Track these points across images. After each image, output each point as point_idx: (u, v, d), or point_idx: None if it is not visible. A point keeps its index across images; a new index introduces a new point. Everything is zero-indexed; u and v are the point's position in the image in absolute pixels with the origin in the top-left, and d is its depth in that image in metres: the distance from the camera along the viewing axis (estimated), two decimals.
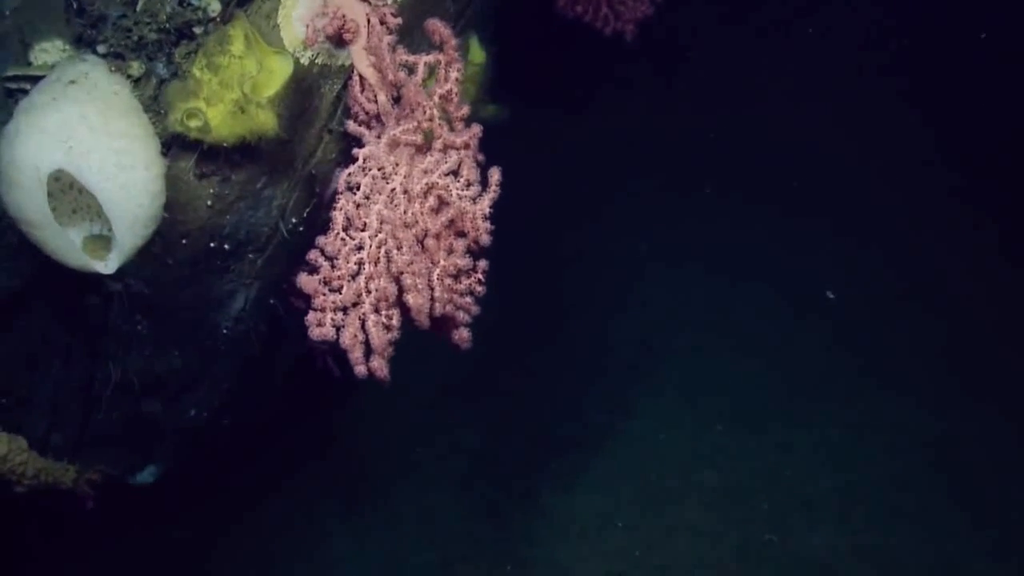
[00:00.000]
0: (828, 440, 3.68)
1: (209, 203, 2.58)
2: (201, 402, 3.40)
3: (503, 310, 4.53)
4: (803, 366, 4.06)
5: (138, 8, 2.37)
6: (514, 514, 3.63)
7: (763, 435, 3.76)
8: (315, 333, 2.12)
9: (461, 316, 2.39)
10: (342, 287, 2.16)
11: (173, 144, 2.46)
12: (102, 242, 2.28)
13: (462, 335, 2.41)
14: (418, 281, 2.27)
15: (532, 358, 4.29)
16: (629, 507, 3.53)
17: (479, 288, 2.39)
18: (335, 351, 3.39)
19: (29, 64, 2.41)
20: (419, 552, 3.55)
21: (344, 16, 2.41)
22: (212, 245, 2.72)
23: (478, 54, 3.05)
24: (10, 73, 2.41)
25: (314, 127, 2.67)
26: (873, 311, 4.30)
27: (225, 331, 3.02)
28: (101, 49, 2.42)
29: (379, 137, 2.33)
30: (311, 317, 2.12)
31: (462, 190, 2.31)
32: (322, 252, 2.17)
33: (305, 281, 2.13)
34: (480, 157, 2.46)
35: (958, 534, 3.25)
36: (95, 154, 2.04)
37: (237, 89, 2.31)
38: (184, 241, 2.64)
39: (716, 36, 4.87)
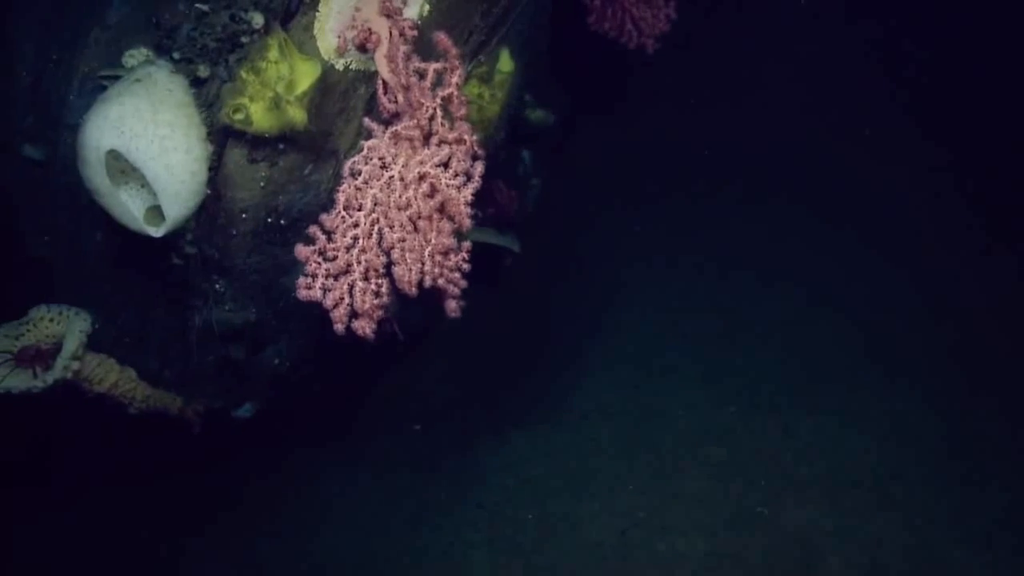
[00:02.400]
0: (827, 427, 3.49)
1: (262, 184, 2.72)
2: (282, 353, 3.55)
3: (534, 296, 4.55)
4: (812, 359, 3.85)
5: (201, 22, 2.54)
6: (540, 471, 3.64)
7: (769, 419, 3.59)
8: (302, 294, 2.20)
9: (451, 289, 2.42)
10: (336, 257, 2.23)
11: (229, 134, 2.64)
12: (160, 212, 2.44)
13: (451, 306, 2.43)
14: (407, 256, 2.31)
15: (560, 340, 4.27)
16: (641, 473, 3.46)
17: (465, 265, 2.42)
18: (399, 318, 3.53)
19: (121, 65, 2.62)
20: (457, 498, 3.64)
21: (369, 29, 2.48)
22: (269, 220, 2.86)
23: (507, 64, 3.05)
24: (105, 72, 2.62)
25: (352, 123, 2.76)
26: (880, 310, 4.03)
27: (295, 294, 3.19)
28: (176, 55, 2.59)
29: (385, 131, 2.38)
30: (301, 281, 2.20)
31: (450, 179, 2.34)
32: (321, 227, 2.24)
33: (300, 250, 2.20)
34: (480, 152, 2.48)
35: (940, 525, 3.02)
36: (142, 139, 2.19)
37: (273, 88, 2.44)
38: (244, 215, 2.79)
39: (730, 46, 4.64)
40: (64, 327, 2.97)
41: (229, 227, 2.77)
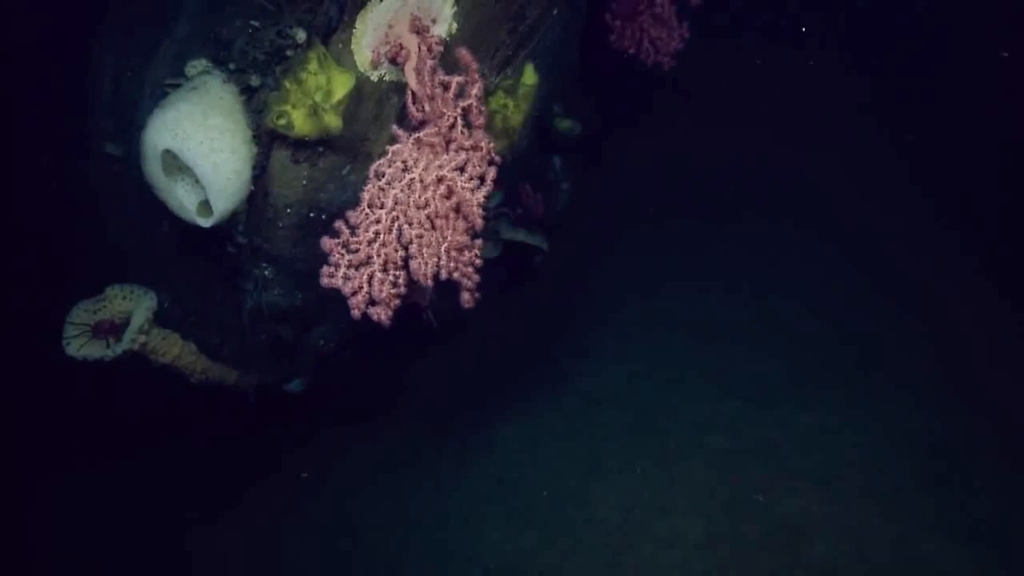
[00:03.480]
0: (823, 423, 3.42)
1: (304, 182, 2.82)
2: (327, 335, 3.66)
3: (560, 291, 4.58)
4: (813, 360, 3.79)
5: (252, 37, 2.64)
6: (554, 452, 3.68)
7: (770, 413, 3.55)
8: (324, 282, 2.27)
9: (465, 282, 2.47)
10: (358, 250, 2.30)
11: (274, 137, 2.73)
12: (209, 205, 2.55)
13: (465, 297, 2.48)
14: (424, 250, 2.37)
15: (581, 332, 4.29)
16: (647, 458, 3.46)
17: (478, 261, 2.46)
18: (434, 307, 3.60)
19: (183, 74, 2.74)
20: (478, 473, 3.70)
21: (400, 44, 2.55)
22: (311, 215, 2.96)
23: (531, 77, 3.08)
24: (169, 80, 2.75)
25: (386, 128, 2.82)
26: (877, 319, 3.94)
27: None
28: (231, 66, 2.69)
29: (409, 137, 2.44)
30: (324, 270, 2.27)
31: (465, 182, 2.39)
32: (346, 222, 2.31)
33: (325, 242, 2.27)
34: (496, 158, 2.52)
35: (923, 519, 2.95)
36: (193, 140, 2.30)
37: (312, 97, 2.52)
38: (288, 210, 2.89)
39: (741, 67, 4.58)
40: (134, 304, 3.12)
41: (276, 220, 2.88)
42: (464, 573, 3.39)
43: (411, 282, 2.39)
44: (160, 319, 3.36)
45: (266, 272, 3.13)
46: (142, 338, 3.08)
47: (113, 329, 3.08)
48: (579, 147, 4.19)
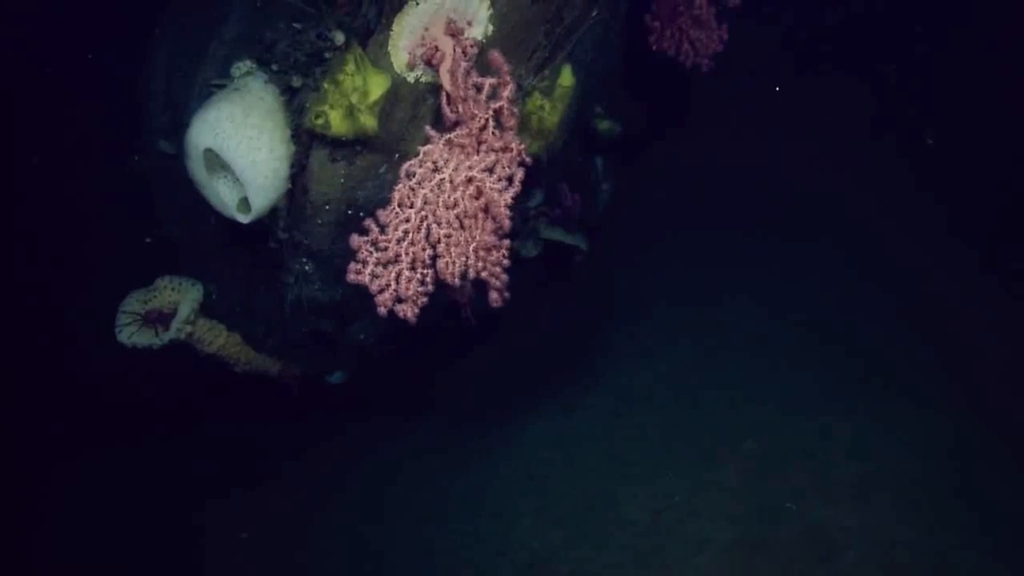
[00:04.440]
0: (860, 433, 3.31)
1: (342, 180, 2.86)
2: (367, 329, 3.70)
3: (599, 291, 4.54)
4: (851, 370, 3.66)
5: (294, 39, 2.69)
6: (586, 451, 3.66)
7: (805, 420, 3.44)
8: (351, 278, 2.29)
9: (493, 282, 2.48)
10: (387, 248, 2.32)
11: (313, 137, 2.78)
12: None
13: (493, 296, 2.49)
14: (451, 250, 2.38)
15: (618, 332, 4.24)
16: (678, 461, 3.41)
17: (505, 261, 2.46)
18: (473, 304, 3.62)
19: (229, 75, 2.81)
20: (509, 469, 3.71)
21: (435, 46, 2.56)
22: (349, 212, 2.99)
23: (568, 79, 3.06)
24: (215, 81, 2.82)
25: (421, 129, 2.84)
26: (917, 332, 3.79)
27: None
28: (274, 67, 2.75)
29: (440, 138, 2.45)
30: (351, 266, 2.29)
31: (494, 183, 2.39)
32: (376, 221, 2.33)
33: (353, 240, 2.29)
34: (527, 160, 2.51)
35: (958, 534, 2.82)
36: (233, 139, 2.36)
37: (349, 97, 2.56)
38: (327, 207, 2.93)
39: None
40: (181, 295, 3.22)
41: (315, 217, 2.92)
42: (494, 566, 3.41)
43: (440, 280, 2.41)
44: (207, 310, 3.46)
45: (306, 267, 3.18)
46: (188, 328, 3.17)
47: (162, 319, 3.18)
48: (620, 148, 4.15)
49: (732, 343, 3.97)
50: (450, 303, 3.94)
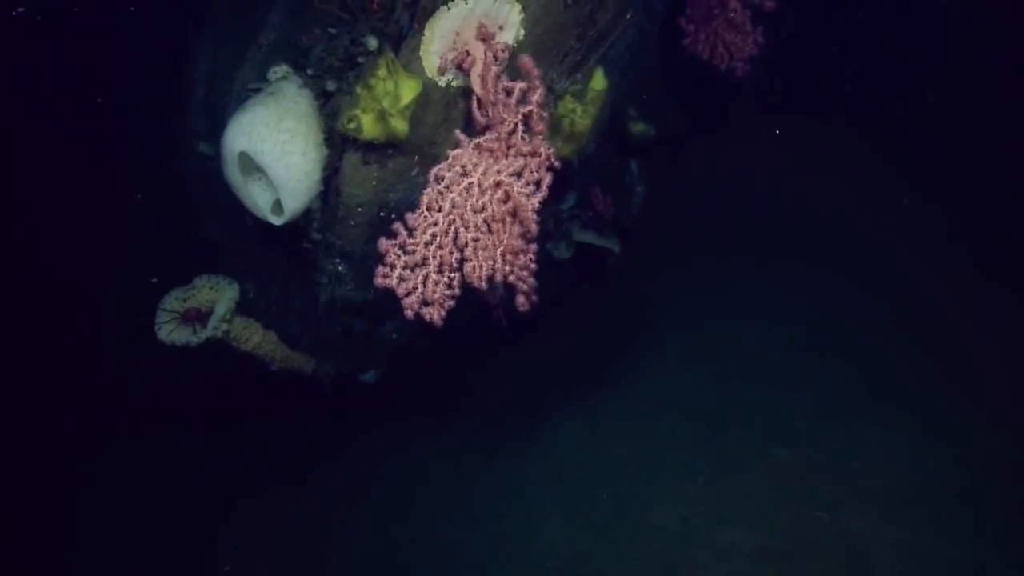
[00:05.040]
0: (898, 443, 3.21)
1: (374, 183, 2.88)
2: (399, 329, 3.73)
3: (632, 293, 4.49)
4: (890, 377, 3.56)
5: (329, 44, 2.72)
6: (616, 455, 3.62)
7: (840, 429, 3.36)
8: (379, 282, 2.31)
9: (521, 285, 2.47)
10: (414, 251, 2.33)
11: (346, 140, 2.81)
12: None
13: (520, 300, 2.48)
14: (479, 253, 2.38)
15: (649, 335, 4.20)
16: (708, 467, 3.36)
17: (532, 265, 2.46)
18: (504, 306, 3.62)
19: (265, 79, 2.85)
20: (538, 470, 3.71)
21: (466, 50, 2.57)
22: (382, 214, 3.02)
23: (600, 82, 3.04)
24: (252, 85, 2.86)
25: (452, 132, 2.85)
26: (959, 342, 3.68)
27: None
28: (309, 71, 2.79)
29: (469, 142, 2.46)
30: (379, 270, 2.30)
31: (522, 187, 2.38)
32: (404, 225, 2.34)
33: (382, 242, 2.31)
34: (556, 165, 2.50)
35: (997, 551, 2.73)
36: (266, 143, 2.40)
37: (380, 102, 2.58)
38: (359, 209, 2.96)
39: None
40: (218, 294, 3.28)
41: (348, 218, 2.95)
42: (522, 569, 3.40)
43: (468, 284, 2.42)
44: (244, 308, 3.52)
45: (339, 268, 3.22)
46: (224, 326, 3.23)
47: (200, 317, 3.25)
48: (655, 150, 4.11)
49: (766, 350, 3.90)
50: (482, 305, 3.97)
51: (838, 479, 3.16)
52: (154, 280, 3.18)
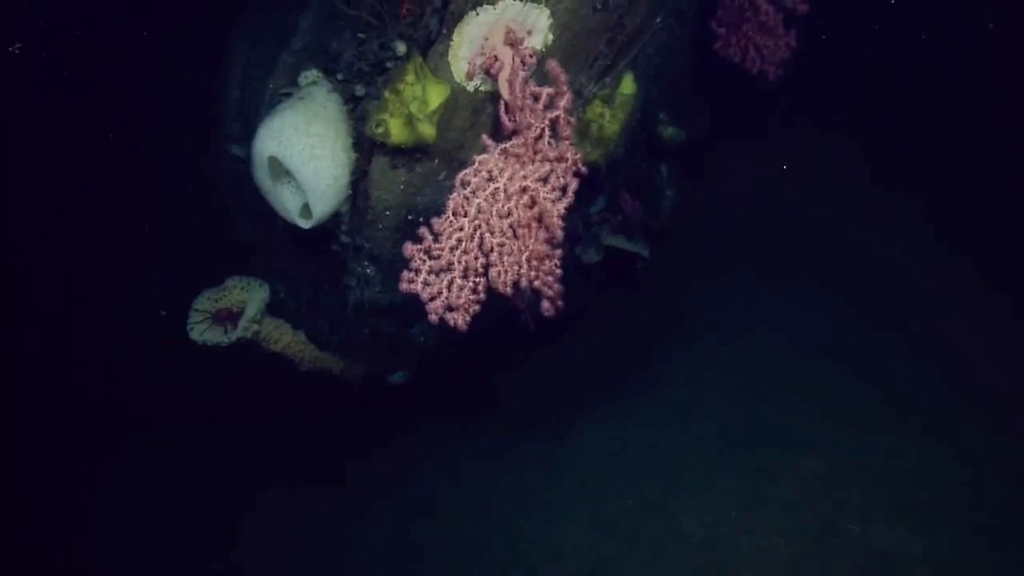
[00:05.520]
0: (933, 453, 3.13)
1: (402, 187, 2.89)
2: (426, 331, 3.74)
3: (661, 298, 4.44)
4: (925, 387, 3.46)
5: (359, 49, 2.73)
6: (642, 460, 3.59)
7: (872, 438, 3.27)
8: (403, 287, 2.31)
9: (546, 291, 2.46)
10: (440, 256, 2.33)
11: (374, 144, 2.82)
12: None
13: (545, 306, 2.47)
14: (504, 259, 2.38)
15: (678, 340, 4.15)
16: (736, 475, 3.30)
17: (558, 271, 2.44)
18: (532, 310, 3.61)
19: (296, 84, 2.88)
20: (563, 474, 3.69)
21: (495, 55, 2.57)
22: (409, 218, 3.03)
23: (629, 87, 3.02)
24: (283, 89, 2.90)
25: (480, 136, 2.86)
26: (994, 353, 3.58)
27: None
28: (339, 76, 2.82)
29: (496, 147, 2.45)
30: (404, 275, 2.31)
31: (548, 193, 2.37)
32: (430, 229, 2.34)
33: (407, 247, 2.31)
34: (583, 170, 2.48)
35: None
36: (295, 147, 2.42)
37: (408, 107, 2.59)
38: (387, 212, 2.98)
39: None
40: (249, 295, 3.32)
41: (376, 222, 2.97)
42: (546, 571, 3.39)
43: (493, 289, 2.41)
44: (275, 309, 3.56)
45: (368, 270, 3.24)
46: (255, 327, 3.27)
47: (231, 317, 3.29)
48: (686, 154, 4.07)
49: (797, 355, 3.83)
50: (509, 308, 3.97)
51: (870, 490, 3.09)
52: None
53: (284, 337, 3.49)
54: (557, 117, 2.44)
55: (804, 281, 4.14)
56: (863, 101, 4.32)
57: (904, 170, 4.25)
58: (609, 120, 2.99)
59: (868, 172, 4.33)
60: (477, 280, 2.36)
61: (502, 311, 3.93)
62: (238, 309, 3.34)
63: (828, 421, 3.44)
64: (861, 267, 4.14)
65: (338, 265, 3.29)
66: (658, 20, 3.12)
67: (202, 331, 3.25)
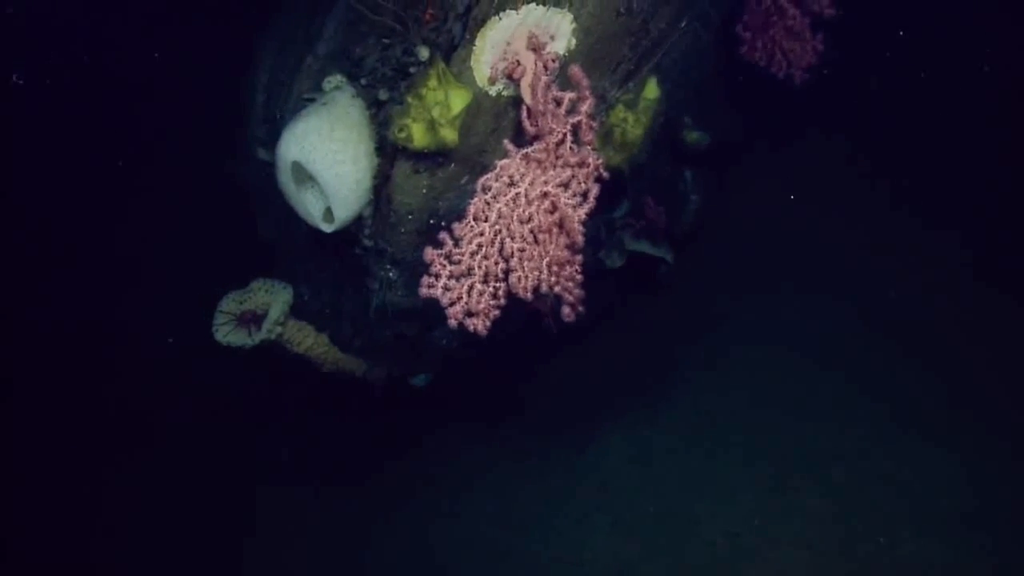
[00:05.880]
0: (964, 464, 3.06)
1: (424, 191, 2.90)
2: (449, 335, 3.74)
3: (685, 303, 4.39)
4: (959, 402, 3.39)
5: (382, 55, 2.74)
6: (665, 467, 3.55)
7: (900, 448, 3.22)
8: (423, 292, 2.31)
9: (567, 296, 2.45)
10: (460, 261, 2.33)
11: (397, 149, 2.83)
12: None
13: (566, 311, 2.46)
14: (525, 264, 2.37)
15: (702, 346, 4.10)
16: (760, 483, 3.25)
17: (578, 276, 2.43)
18: (555, 314, 3.60)
19: (320, 89, 2.90)
20: (585, 480, 3.67)
21: (517, 60, 2.56)
22: (432, 222, 3.03)
23: (653, 91, 3.00)
24: (306, 95, 2.92)
25: (503, 141, 2.85)
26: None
27: None
28: (363, 81, 2.83)
29: (517, 152, 2.45)
30: (424, 280, 2.31)
31: (568, 199, 2.37)
32: (451, 234, 2.35)
33: (427, 252, 2.31)
34: (604, 176, 2.47)
35: None
36: (318, 152, 2.43)
37: (431, 112, 2.59)
38: (410, 216, 2.98)
39: None
40: (272, 298, 3.35)
41: (399, 225, 2.98)
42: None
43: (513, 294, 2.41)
44: (298, 311, 3.59)
45: (390, 273, 3.25)
46: (278, 329, 3.30)
47: (255, 319, 3.32)
48: (711, 159, 4.03)
49: (824, 364, 3.77)
50: (532, 311, 3.96)
51: (897, 502, 3.03)
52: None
53: (307, 339, 3.52)
54: (579, 122, 2.43)
55: (829, 291, 4.07)
56: (892, 105, 4.24)
57: (938, 182, 4.15)
58: (632, 125, 2.97)
59: (899, 183, 4.23)
60: (497, 285, 2.35)
61: (524, 315, 3.93)
62: (262, 311, 3.38)
63: (855, 432, 3.38)
64: (887, 280, 4.05)
65: (361, 268, 3.31)
66: (683, 24, 3.09)
67: (227, 333, 3.29)
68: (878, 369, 3.63)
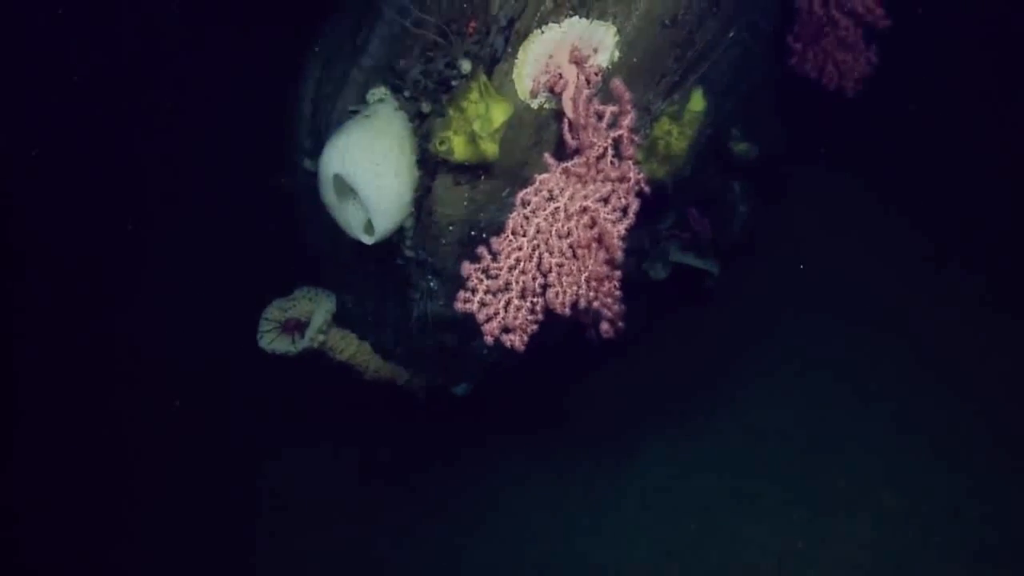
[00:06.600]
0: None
1: (465, 203, 2.90)
2: (488, 347, 3.75)
3: (732, 317, 4.29)
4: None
5: (426, 67, 2.75)
6: (707, 483, 3.47)
7: (962, 476, 3.07)
8: (459, 307, 2.30)
9: (606, 312, 2.42)
10: (497, 276, 2.32)
11: (438, 162, 2.83)
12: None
13: (605, 327, 2.43)
14: (563, 279, 2.35)
15: (749, 360, 3.99)
16: (808, 505, 3.13)
17: (617, 292, 2.40)
18: (597, 326, 3.57)
19: (364, 101, 2.92)
20: (624, 496, 3.61)
21: (559, 73, 2.54)
22: (472, 233, 3.03)
23: (698, 104, 2.94)
24: (351, 107, 2.94)
25: (544, 155, 2.83)
26: None
27: None
28: (407, 94, 2.84)
29: (557, 166, 2.43)
30: (460, 294, 2.31)
31: (608, 213, 2.33)
32: (488, 249, 2.34)
33: (465, 267, 2.31)
34: (646, 190, 2.43)
35: None
36: (359, 165, 2.45)
37: (472, 125, 2.58)
38: (451, 228, 2.99)
39: None
40: (316, 306, 3.39)
41: (440, 237, 2.99)
42: None
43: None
44: (342, 319, 3.63)
45: (431, 284, 3.26)
46: (321, 337, 3.33)
47: (298, 327, 3.37)
48: (760, 171, 3.94)
49: (876, 386, 3.63)
50: (574, 323, 3.91)
51: (952, 532, 2.90)
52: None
53: (350, 347, 3.55)
54: (620, 136, 2.40)
55: (880, 308, 3.92)
56: (951, 117, 4.08)
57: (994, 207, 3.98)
58: (677, 137, 2.92)
59: (955, 201, 4.07)
60: (535, 300, 2.33)
61: (564, 328, 3.90)
62: (305, 319, 3.42)
63: (910, 456, 3.24)
64: (940, 299, 3.88)
65: (403, 278, 3.33)
66: (731, 35, 3.03)
67: (271, 340, 3.34)
68: (942, 395, 3.46)
